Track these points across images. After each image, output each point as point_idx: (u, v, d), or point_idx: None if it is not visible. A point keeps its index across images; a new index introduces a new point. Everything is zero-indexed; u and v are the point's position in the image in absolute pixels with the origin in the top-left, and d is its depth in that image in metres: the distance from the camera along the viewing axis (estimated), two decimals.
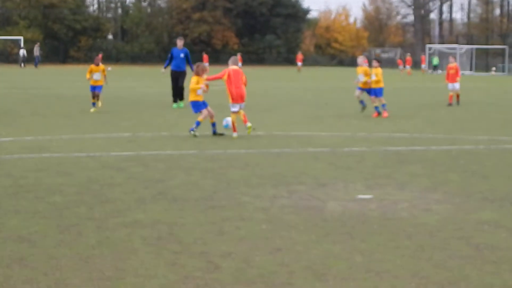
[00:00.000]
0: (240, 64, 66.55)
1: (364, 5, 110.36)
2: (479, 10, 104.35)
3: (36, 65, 66.79)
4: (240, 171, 10.47)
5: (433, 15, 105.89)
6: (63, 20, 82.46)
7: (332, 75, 58.33)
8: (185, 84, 22.91)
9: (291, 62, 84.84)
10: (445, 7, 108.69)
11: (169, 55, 23.03)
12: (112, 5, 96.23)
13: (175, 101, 22.62)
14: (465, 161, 11.70)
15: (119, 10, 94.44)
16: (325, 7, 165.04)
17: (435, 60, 72.28)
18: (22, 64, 67.78)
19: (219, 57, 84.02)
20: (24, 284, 5.29)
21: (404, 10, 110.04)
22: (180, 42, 22.97)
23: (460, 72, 26.58)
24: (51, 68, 67.48)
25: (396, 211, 7.91)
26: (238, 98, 14.63)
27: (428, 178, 10.02)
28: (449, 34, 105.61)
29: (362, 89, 20.33)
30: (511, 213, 7.89)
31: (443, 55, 75.15)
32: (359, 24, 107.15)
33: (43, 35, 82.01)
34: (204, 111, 14.61)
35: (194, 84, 14.75)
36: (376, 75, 20.04)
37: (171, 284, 5.35)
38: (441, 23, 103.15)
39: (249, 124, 14.54)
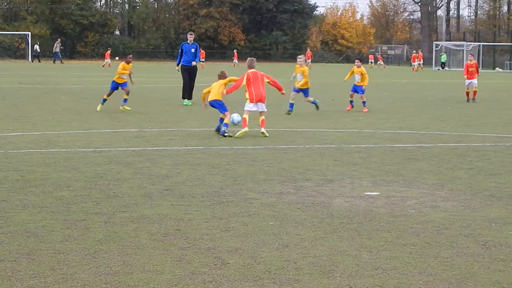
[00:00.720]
0: (235, 60, 66.72)
1: (371, 1, 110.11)
2: (486, 7, 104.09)
3: (56, 61, 66.86)
4: (247, 167, 10.47)
5: (440, 12, 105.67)
6: (70, 16, 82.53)
7: (339, 72, 58.27)
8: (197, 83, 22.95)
9: None
10: (452, 4, 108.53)
11: (179, 51, 22.77)
12: (119, 0, 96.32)
13: (185, 97, 22.41)
14: (472, 158, 11.67)
15: (126, 6, 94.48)
16: (332, 3, 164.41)
17: (443, 57, 72.16)
18: (37, 60, 67.92)
19: (225, 54, 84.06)
20: (31, 279, 5.30)
21: (411, 6, 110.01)
22: (190, 37, 22.86)
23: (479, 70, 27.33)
24: (58, 63, 67.57)
25: (403, 208, 7.90)
26: (257, 99, 14.49)
27: (435, 175, 10.00)
28: (456, 31, 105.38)
29: (298, 90, 19.30)
30: None
31: (450, 52, 75.07)
32: (365, 21, 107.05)
33: (50, 30, 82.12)
34: (228, 113, 14.44)
35: (220, 86, 14.64)
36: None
37: (178, 279, 5.35)
38: (448, 20, 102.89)
39: (263, 130, 14.26)
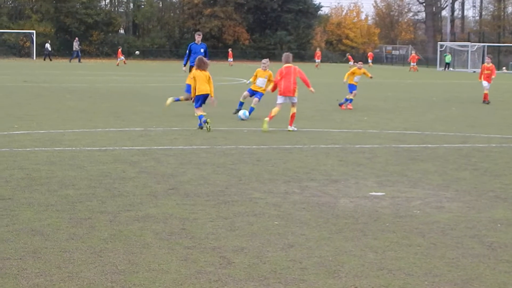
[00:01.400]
0: (231, 59, 66.69)
1: (375, 1, 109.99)
2: (491, 7, 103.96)
3: (72, 60, 66.75)
4: (252, 166, 10.47)
5: (445, 12, 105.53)
6: (75, 14, 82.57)
7: (343, 72, 58.26)
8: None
9: (302, 58, 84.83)
10: (457, 5, 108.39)
11: (187, 51, 22.55)
12: None
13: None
14: (477, 159, 11.66)
15: (131, 5, 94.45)
16: (336, 3, 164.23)
17: (448, 58, 72.06)
18: (48, 58, 67.87)
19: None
20: (37, 277, 5.31)
21: (415, 7, 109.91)
22: (198, 37, 22.75)
23: (495, 72, 27.38)
24: (63, 62, 67.64)
25: (409, 208, 7.89)
26: (285, 91, 15.24)
27: (440, 176, 9.99)
28: (461, 31, 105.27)
29: (253, 92, 18.54)
30: None
31: (454, 53, 74.97)
32: (370, 21, 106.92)
33: (55, 29, 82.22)
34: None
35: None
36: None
37: (183, 279, 5.35)
38: (452, 20, 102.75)
39: (290, 129, 15.14)
